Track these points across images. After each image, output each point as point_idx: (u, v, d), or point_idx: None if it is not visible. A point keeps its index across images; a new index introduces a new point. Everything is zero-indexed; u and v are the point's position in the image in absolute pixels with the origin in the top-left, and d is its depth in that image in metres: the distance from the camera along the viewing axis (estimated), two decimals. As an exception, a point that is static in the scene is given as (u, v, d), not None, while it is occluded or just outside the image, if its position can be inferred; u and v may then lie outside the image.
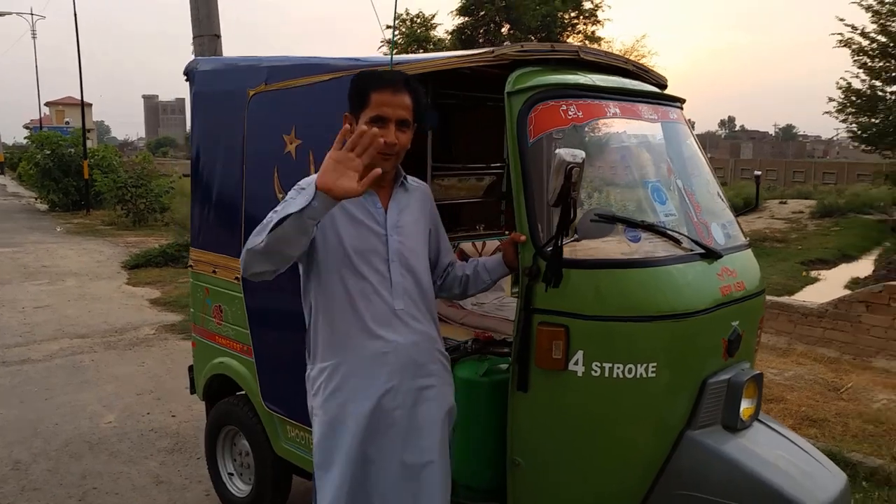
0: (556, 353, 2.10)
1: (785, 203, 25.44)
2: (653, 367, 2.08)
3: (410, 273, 2.08)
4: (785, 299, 7.27)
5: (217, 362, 3.41)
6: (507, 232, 3.41)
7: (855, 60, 21.48)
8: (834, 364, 5.77)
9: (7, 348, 6.48)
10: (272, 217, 1.79)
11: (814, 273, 14.91)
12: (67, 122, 53.87)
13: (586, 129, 2.32)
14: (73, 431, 4.53)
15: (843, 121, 22.44)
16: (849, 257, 18.34)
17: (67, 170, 20.42)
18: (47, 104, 60.47)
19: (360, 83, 1.98)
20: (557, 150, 1.92)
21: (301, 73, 2.86)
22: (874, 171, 27.55)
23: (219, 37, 9.19)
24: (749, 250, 2.58)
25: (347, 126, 1.76)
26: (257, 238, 1.79)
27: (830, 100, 22.16)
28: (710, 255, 2.27)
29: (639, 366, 2.07)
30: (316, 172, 2.66)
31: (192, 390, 3.74)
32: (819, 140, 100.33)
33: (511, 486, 2.30)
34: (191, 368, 3.74)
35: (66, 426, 4.62)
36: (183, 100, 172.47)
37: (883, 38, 21.01)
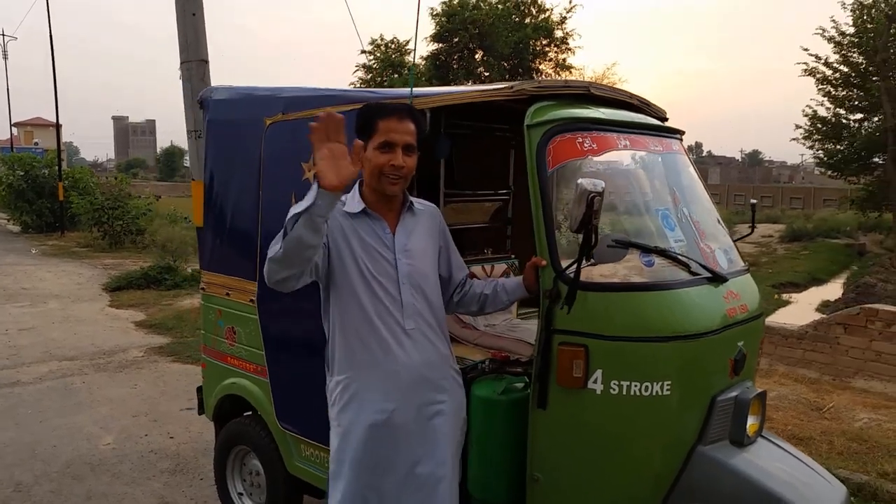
0: (577, 372, 2.22)
1: (755, 228, 25.96)
2: (667, 385, 2.20)
3: (421, 294, 2.21)
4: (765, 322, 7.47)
5: (229, 383, 3.47)
6: (512, 256, 3.54)
7: (819, 89, 22.20)
8: (815, 384, 5.97)
9: (-6, 371, 6.43)
10: (285, 223, 1.91)
11: (785, 296, 15.27)
12: (36, 143, 53.16)
13: (601, 159, 2.46)
14: (73, 453, 4.53)
15: (810, 147, 23.13)
16: (818, 280, 18.79)
17: (41, 191, 20.20)
18: (15, 125, 59.69)
19: (368, 113, 2.15)
20: (579, 180, 2.04)
21: (319, 104, 2.97)
22: (840, 196, 28.30)
23: (206, 62, 9.25)
24: (748, 274, 2.73)
25: (313, 123, 1.86)
26: (275, 247, 1.91)
27: (797, 127, 22.84)
28: (717, 279, 2.41)
29: (654, 384, 2.19)
30: None
31: (201, 411, 3.78)
32: (785, 165, 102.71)
33: (530, 501, 2.40)
34: (199, 389, 3.79)
35: (65, 448, 4.62)
36: (153, 121, 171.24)
37: (845, 69, 21.76)
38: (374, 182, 2.16)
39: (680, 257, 2.33)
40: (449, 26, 25.39)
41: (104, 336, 7.89)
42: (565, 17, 27.04)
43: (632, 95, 2.82)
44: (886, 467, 4.11)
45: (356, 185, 2.25)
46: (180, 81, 9.63)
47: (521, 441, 2.42)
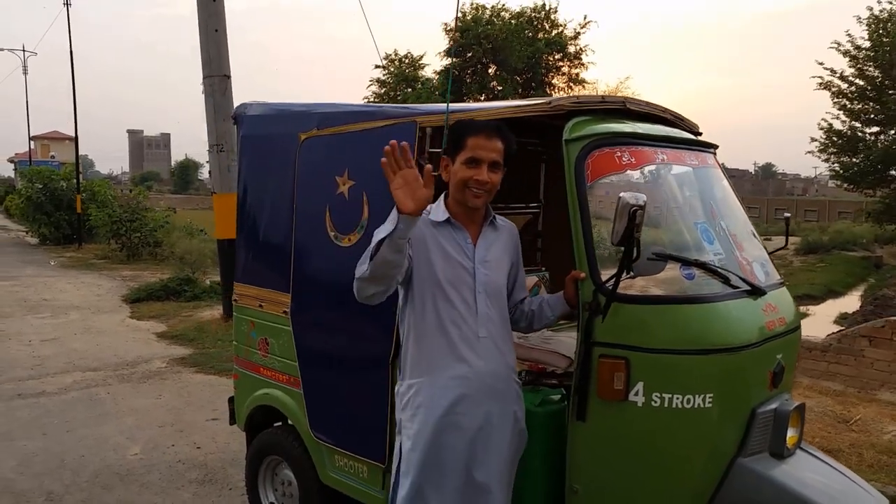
0: (617, 385, 2.22)
1: (769, 240, 25.84)
2: (709, 397, 2.19)
3: (494, 304, 2.29)
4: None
5: (262, 393, 3.49)
6: (543, 268, 3.55)
7: (835, 102, 22.14)
8: (840, 397, 5.93)
9: (21, 381, 6.49)
10: (367, 250, 2.03)
11: (802, 308, 15.19)
12: (53, 156, 53.76)
13: (640, 173, 2.49)
14: (101, 463, 4.57)
15: (826, 160, 23.04)
16: (835, 293, 18.69)
17: (59, 204, 20.45)
18: (33, 138, 60.57)
19: (458, 130, 2.26)
20: (621, 194, 2.06)
21: (354, 120, 3.03)
22: (856, 209, 28.17)
23: (228, 77, 9.34)
24: (784, 287, 2.73)
25: (384, 160, 1.94)
26: (362, 267, 2.05)
27: (813, 140, 22.77)
28: (756, 291, 2.41)
29: (696, 396, 2.18)
30: (369, 211, 2.87)
31: (233, 421, 3.81)
32: (798, 178, 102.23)
33: (569, 512, 2.40)
34: (231, 400, 3.82)
35: (93, 458, 4.65)
36: (168, 135, 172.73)
37: (860, 82, 21.69)
38: (458, 194, 2.26)
39: (720, 270, 2.34)
40: (463, 41, 25.56)
41: (126, 347, 7.95)
42: (579, 33, 27.20)
43: (665, 110, 2.84)
44: (917, 481, 4.08)
45: (442, 196, 2.33)
46: (202, 96, 9.77)
47: (557, 453, 2.44)
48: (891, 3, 20.71)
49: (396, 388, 2.35)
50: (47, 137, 63.27)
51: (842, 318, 15.15)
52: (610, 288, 2.19)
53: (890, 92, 20.63)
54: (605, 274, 2.24)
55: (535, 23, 27.20)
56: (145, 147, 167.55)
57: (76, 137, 21.99)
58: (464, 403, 2.20)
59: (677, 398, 2.17)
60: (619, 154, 2.41)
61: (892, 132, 21.32)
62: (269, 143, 3.47)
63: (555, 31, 27.30)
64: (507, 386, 2.30)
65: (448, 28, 25.94)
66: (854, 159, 22.07)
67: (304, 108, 3.35)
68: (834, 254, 24.08)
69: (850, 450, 4.52)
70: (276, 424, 3.60)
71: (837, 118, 22.10)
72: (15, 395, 6.05)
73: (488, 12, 26.39)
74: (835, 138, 22.08)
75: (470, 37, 25.53)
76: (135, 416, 5.54)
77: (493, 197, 2.28)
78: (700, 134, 3.00)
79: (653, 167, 2.55)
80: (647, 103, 2.77)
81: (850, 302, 18.82)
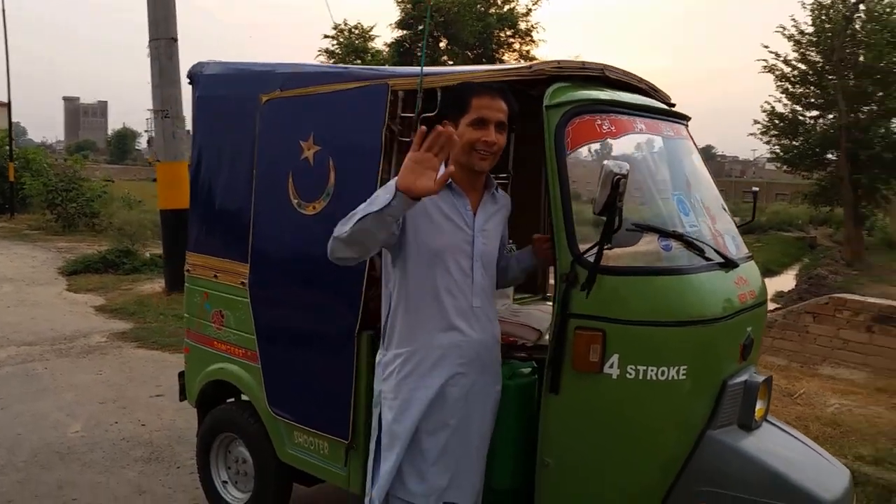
0: (593, 357, 2.17)
1: (755, 216, 26.58)
2: (683, 370, 2.17)
3: (489, 274, 2.26)
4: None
5: (215, 368, 3.34)
6: (511, 241, 3.47)
7: (778, 86, 22.69)
8: (784, 371, 6.08)
9: (-52, 356, 6.14)
10: (358, 209, 1.93)
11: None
12: (-19, 122, 51.02)
13: (618, 142, 2.42)
14: (39, 441, 4.34)
15: (767, 142, 23.65)
16: (771, 272, 19.30)
17: (-10, 172, 19.45)
18: (-42, 101, 57.42)
19: (460, 91, 2.19)
20: (605, 162, 2.00)
21: (321, 81, 2.88)
22: (793, 191, 29.06)
23: (175, 40, 8.96)
24: (752, 261, 2.73)
25: (423, 128, 1.83)
26: (342, 227, 1.95)
27: (755, 122, 23.32)
28: (729, 264, 2.39)
29: (671, 368, 2.16)
30: (336, 178, 2.75)
31: (183, 397, 3.64)
32: (737, 160, 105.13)
33: (539, 486, 2.36)
34: (181, 374, 3.65)
35: (30, 436, 4.42)
36: (105, 102, 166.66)
37: (803, 66, 22.28)
38: (463, 157, 2.16)
39: (697, 242, 2.30)
40: (414, 13, 25.17)
41: (64, 321, 7.61)
42: (530, 10, 27.11)
43: (641, 80, 2.77)
44: (862, 451, 4.20)
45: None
46: (142, 62, 9.34)
47: (527, 426, 2.41)
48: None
49: (378, 359, 2.29)
50: (-25, 102, 60.09)
51: (778, 296, 15.65)
52: (592, 259, 2.13)
53: (830, 77, 21.23)
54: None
55: (488, -3, 26.98)
56: (81, 115, 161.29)
57: (9, 102, 20.90)
58: (451, 371, 2.17)
59: (652, 370, 2.14)
60: (599, 122, 2.34)
61: (831, 116, 21.99)
62: (227, 105, 3.28)
63: (507, 7, 27.14)
64: (494, 358, 2.29)
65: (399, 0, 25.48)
66: (794, 142, 22.72)
67: (265, 67, 3.17)
68: (770, 234, 24.88)
69: (797, 423, 4.62)
70: (228, 400, 3.48)
71: (780, 101, 22.68)
72: (-57, 370, 5.73)
73: (441, -17, 26.03)
74: (776, 121, 22.67)
75: (421, 9, 25.14)
76: (74, 391, 5.29)
77: (497, 160, 2.21)
78: (673, 105, 2.95)
79: (632, 136, 2.49)
80: (625, 72, 2.69)
81: (786, 280, 19.50)
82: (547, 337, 2.77)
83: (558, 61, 2.38)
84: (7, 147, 19.41)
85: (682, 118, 2.83)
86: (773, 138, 23.01)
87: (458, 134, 2.10)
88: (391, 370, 2.21)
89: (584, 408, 2.25)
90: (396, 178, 1.84)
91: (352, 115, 2.73)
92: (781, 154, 23.05)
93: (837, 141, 20.88)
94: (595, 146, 2.44)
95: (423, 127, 1.84)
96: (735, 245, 2.62)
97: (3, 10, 18.70)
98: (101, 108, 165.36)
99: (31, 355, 6.24)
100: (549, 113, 2.28)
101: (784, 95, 22.49)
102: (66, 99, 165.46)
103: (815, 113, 22.75)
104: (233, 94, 3.25)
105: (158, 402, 5.09)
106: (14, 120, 21.91)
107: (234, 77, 3.30)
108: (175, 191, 8.70)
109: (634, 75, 2.71)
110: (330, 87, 2.81)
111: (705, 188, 2.71)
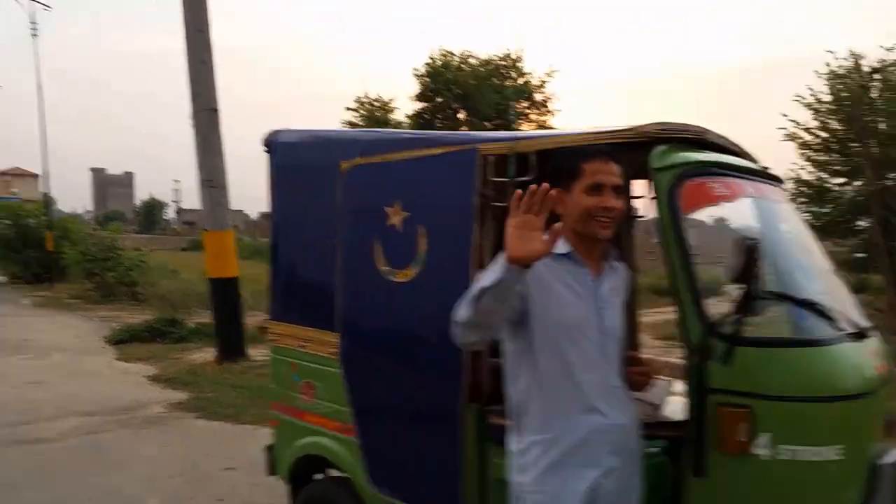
0: (741, 436, 2.06)
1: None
2: (837, 449, 2.06)
3: (621, 350, 2.11)
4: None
5: (308, 442, 3.28)
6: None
7: (801, 154, 22.70)
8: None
9: (13, 426, 6.18)
10: (471, 289, 1.83)
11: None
12: (14, 192, 52.59)
13: (733, 205, 2.39)
14: (118, 516, 4.33)
15: (797, 210, 23.47)
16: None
17: (28, 241, 19.90)
18: (-7, 175, 59.28)
19: (570, 157, 2.08)
20: (735, 228, 2.02)
21: (404, 147, 2.89)
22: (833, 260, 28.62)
23: (217, 111, 9.12)
24: (877, 332, 2.65)
25: (519, 191, 1.76)
26: (462, 312, 1.83)
27: (784, 190, 23.24)
28: (862, 335, 2.32)
29: (824, 448, 2.06)
30: (428, 244, 2.70)
31: (272, 472, 3.62)
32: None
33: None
34: (269, 448, 3.63)
35: (110, 511, 4.41)
36: (131, 174, 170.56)
37: (824, 134, 22.32)
38: (580, 226, 2.02)
39: (832, 312, 2.24)
40: (432, 87, 25.71)
41: (119, 391, 7.65)
42: (545, 82, 27.58)
43: (734, 143, 2.73)
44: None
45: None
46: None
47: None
48: (846, 59, 21.53)
49: (513, 447, 2.10)
50: (9, 173, 61.86)
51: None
52: (730, 331, 2.07)
53: (852, 145, 21.26)
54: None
55: (503, 71, 27.56)
56: (108, 186, 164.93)
57: (45, 171, 21.55)
58: (605, 462, 2.00)
59: (806, 450, 2.04)
60: (711, 185, 2.30)
61: (858, 183, 21.93)
62: (306, 173, 3.30)
63: (521, 80, 27.66)
64: (635, 446, 2.10)
65: (418, 73, 26.01)
66: (823, 210, 22.59)
67: (344, 134, 3.25)
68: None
69: None
70: (317, 476, 3.43)
71: (804, 169, 22.68)
72: (11, 442, 5.75)
73: (456, 59, 26.68)
74: (804, 188, 22.62)
75: (440, 82, 25.72)
76: (145, 464, 5.28)
77: (617, 227, 2.10)
78: (767, 168, 2.92)
79: (744, 199, 2.44)
80: (723, 136, 2.62)
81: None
82: (665, 412, 2.74)
83: (661, 123, 2.31)
84: (43, 217, 19.92)
85: (779, 180, 2.81)
86: (803, 205, 22.93)
87: (572, 202, 2.01)
88: (530, 460, 2.03)
89: (734, 492, 2.12)
90: (502, 255, 1.75)
91: (440, 180, 2.69)
92: (814, 222, 22.91)
93: (868, 207, 20.76)
94: (711, 209, 2.38)
95: (519, 191, 1.76)
96: (858, 314, 2.57)
97: (40, 87, 19.48)
98: (127, 179, 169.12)
99: (95, 426, 6.27)
100: (658, 175, 2.22)
101: (809, 164, 22.51)
102: (93, 170, 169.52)
103: (841, 180, 22.72)
104: (312, 161, 3.27)
105: (232, 475, 5.05)
106: (44, 190, 22.52)
107: (312, 144, 3.33)
108: (223, 260, 8.84)
109: (728, 139, 2.66)
110: (415, 152, 2.81)
111: (817, 254, 2.66)
